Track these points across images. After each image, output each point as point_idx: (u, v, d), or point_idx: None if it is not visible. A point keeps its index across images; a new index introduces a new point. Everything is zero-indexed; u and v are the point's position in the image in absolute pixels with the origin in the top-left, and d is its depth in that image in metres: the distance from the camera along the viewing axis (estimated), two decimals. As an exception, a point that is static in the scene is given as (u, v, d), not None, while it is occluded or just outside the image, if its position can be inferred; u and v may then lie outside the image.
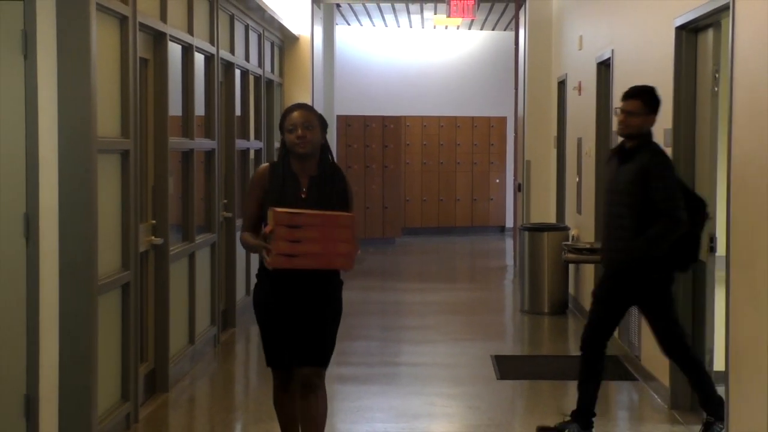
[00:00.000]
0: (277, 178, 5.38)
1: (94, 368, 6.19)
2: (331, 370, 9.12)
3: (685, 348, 6.72)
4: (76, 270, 6.07)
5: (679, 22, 7.27)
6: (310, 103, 14.43)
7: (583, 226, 11.43)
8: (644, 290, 6.62)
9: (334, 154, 18.02)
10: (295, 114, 5.37)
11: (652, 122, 6.60)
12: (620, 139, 6.75)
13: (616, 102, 9.56)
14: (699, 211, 6.63)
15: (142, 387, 7.43)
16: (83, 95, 6.03)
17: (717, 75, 6.91)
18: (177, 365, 8.30)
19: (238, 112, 11.19)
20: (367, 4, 17.78)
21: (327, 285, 5.50)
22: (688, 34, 7.31)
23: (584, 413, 6.84)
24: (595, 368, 6.80)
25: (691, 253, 6.64)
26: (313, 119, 5.38)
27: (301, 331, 5.46)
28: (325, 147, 5.48)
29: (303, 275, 5.34)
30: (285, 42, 14.34)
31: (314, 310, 5.46)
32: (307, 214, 5.12)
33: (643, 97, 6.58)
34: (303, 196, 5.36)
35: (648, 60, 8.36)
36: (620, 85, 9.46)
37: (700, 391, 6.69)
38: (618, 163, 6.65)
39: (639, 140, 6.57)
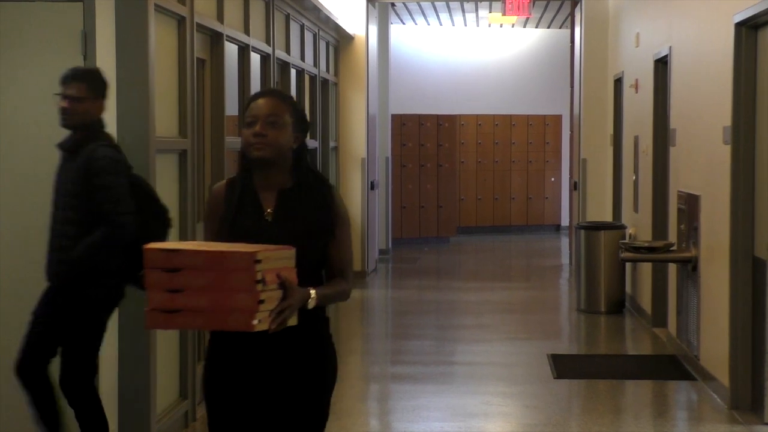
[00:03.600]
0: (232, 198, 3.85)
1: (152, 367, 6.23)
2: (387, 369, 9.17)
3: (90, 389, 5.50)
4: (135, 269, 6.10)
5: (739, 18, 7.19)
6: (364, 103, 14.47)
7: (640, 225, 11.35)
8: (76, 308, 5.40)
9: (389, 156, 18.11)
10: (260, 102, 3.81)
11: (100, 109, 5.50)
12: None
13: (674, 100, 9.50)
14: (160, 220, 5.63)
15: (199, 385, 7.48)
16: (142, 95, 6.08)
17: (777, 72, 6.83)
18: (234, 364, 8.33)
19: (293, 111, 11.22)
20: (422, 3, 17.76)
21: (312, 352, 3.84)
22: (748, 30, 7.22)
23: None
24: (45, 395, 5.48)
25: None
26: (284, 113, 3.80)
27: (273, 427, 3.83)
28: (299, 152, 3.88)
29: (271, 339, 3.69)
30: (340, 41, 14.37)
31: (294, 396, 3.81)
32: (187, 252, 3.62)
33: (88, 80, 5.48)
34: (268, 219, 3.82)
35: (707, 57, 8.28)
36: (678, 82, 9.39)
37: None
38: (64, 159, 5.49)
39: (86, 131, 5.44)
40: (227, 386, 3.80)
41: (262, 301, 3.49)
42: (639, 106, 11.49)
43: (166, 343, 6.66)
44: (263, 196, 3.84)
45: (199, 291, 3.56)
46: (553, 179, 21.22)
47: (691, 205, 8.68)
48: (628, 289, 11.88)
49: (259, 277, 3.48)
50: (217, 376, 3.82)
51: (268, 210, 3.82)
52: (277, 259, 3.57)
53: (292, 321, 3.60)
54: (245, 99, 8.87)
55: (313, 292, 3.68)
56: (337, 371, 3.92)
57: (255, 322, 3.49)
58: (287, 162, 3.83)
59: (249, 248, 3.55)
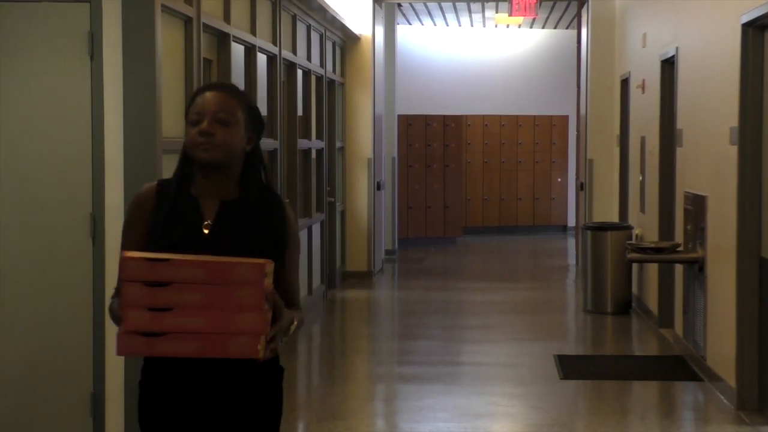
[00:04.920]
0: (164, 204, 3.29)
1: (159, 367, 6.23)
2: (393, 370, 9.17)
3: None
4: (142, 269, 6.11)
5: (746, 18, 7.18)
6: (371, 103, 14.46)
7: (646, 225, 11.33)
8: None
9: (395, 157, 18.10)
10: (208, 96, 3.29)
11: None
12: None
13: (681, 100, 9.49)
14: None
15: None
16: (148, 96, 6.08)
17: (784, 72, 6.82)
18: (240, 364, 8.33)
19: (300, 112, 11.23)
20: (429, 4, 17.76)
21: (258, 385, 3.32)
22: (755, 31, 7.22)
23: None
24: None
25: None
26: (235, 109, 3.29)
27: None
28: (253, 157, 3.36)
29: (213, 366, 3.20)
30: (346, 42, 14.37)
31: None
32: (180, 262, 3.02)
33: None
34: (205, 231, 3.27)
35: (713, 58, 8.28)
36: (685, 83, 9.38)
37: None
38: None
39: None
40: (163, 419, 3.29)
41: (268, 323, 3.02)
42: (646, 106, 11.48)
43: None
44: (204, 205, 3.30)
45: (195, 310, 2.98)
46: (559, 180, 21.21)
47: (697, 205, 8.67)
48: (634, 289, 11.87)
49: (268, 293, 2.99)
50: (153, 413, 3.32)
51: (207, 222, 3.27)
52: (269, 275, 3.06)
53: None
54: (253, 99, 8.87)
55: (293, 315, 3.25)
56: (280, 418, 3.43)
57: (260, 347, 2.98)
58: (236, 167, 3.32)
59: (252, 260, 3.03)
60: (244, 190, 3.32)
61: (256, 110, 3.38)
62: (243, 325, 2.98)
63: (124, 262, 3.02)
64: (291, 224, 3.36)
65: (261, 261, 3.01)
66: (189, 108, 3.31)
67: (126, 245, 3.29)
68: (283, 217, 3.33)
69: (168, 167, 6.43)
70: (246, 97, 3.37)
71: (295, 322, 3.26)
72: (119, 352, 3.04)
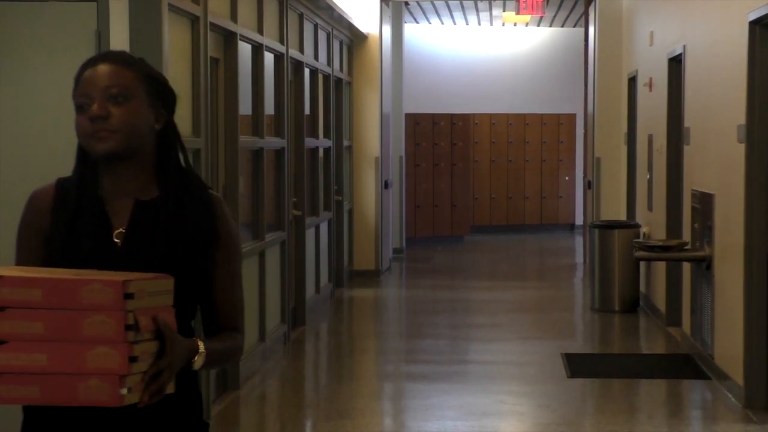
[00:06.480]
0: (64, 210, 2.59)
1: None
2: (400, 368, 9.18)
3: None
4: (149, 268, 6.12)
5: (753, 16, 7.17)
6: (378, 102, 14.46)
7: (654, 224, 11.33)
8: None
9: (403, 155, 18.12)
10: (97, 70, 2.58)
11: None
12: None
13: (688, 98, 9.48)
14: None
15: (213, 384, 7.49)
16: (155, 95, 6.08)
17: (792, 70, 6.81)
18: (248, 363, 8.36)
19: (307, 110, 11.24)
20: (436, 2, 17.76)
21: None
22: (762, 29, 7.21)
23: None
24: None
25: None
26: (131, 81, 2.59)
27: None
28: (165, 138, 2.69)
29: (120, 418, 2.48)
30: (354, 40, 14.37)
31: None
32: (16, 280, 2.30)
33: None
34: (117, 242, 2.57)
35: (721, 55, 8.27)
36: (692, 81, 9.37)
37: None
38: None
39: None
40: None
41: (134, 359, 2.25)
42: (653, 104, 11.47)
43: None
44: (113, 207, 2.60)
45: (35, 343, 2.26)
46: (567, 178, 21.20)
47: (705, 203, 8.67)
48: (642, 288, 11.86)
49: (131, 320, 2.25)
50: None
51: (119, 229, 2.57)
52: (153, 294, 2.35)
53: (170, 388, 2.37)
54: (258, 98, 8.87)
55: (201, 344, 2.48)
56: None
57: (124, 391, 2.24)
58: (147, 155, 2.62)
59: (112, 275, 2.32)
60: (161, 184, 2.62)
61: (161, 79, 2.71)
62: (95, 364, 2.24)
63: None
64: (223, 222, 2.65)
65: (117, 278, 2.28)
66: (74, 91, 2.60)
67: (20, 262, 2.62)
68: (215, 214, 2.64)
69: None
70: (143, 65, 2.67)
71: (201, 351, 2.47)
72: None
